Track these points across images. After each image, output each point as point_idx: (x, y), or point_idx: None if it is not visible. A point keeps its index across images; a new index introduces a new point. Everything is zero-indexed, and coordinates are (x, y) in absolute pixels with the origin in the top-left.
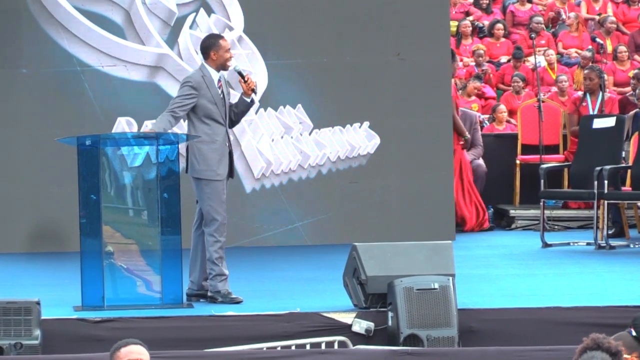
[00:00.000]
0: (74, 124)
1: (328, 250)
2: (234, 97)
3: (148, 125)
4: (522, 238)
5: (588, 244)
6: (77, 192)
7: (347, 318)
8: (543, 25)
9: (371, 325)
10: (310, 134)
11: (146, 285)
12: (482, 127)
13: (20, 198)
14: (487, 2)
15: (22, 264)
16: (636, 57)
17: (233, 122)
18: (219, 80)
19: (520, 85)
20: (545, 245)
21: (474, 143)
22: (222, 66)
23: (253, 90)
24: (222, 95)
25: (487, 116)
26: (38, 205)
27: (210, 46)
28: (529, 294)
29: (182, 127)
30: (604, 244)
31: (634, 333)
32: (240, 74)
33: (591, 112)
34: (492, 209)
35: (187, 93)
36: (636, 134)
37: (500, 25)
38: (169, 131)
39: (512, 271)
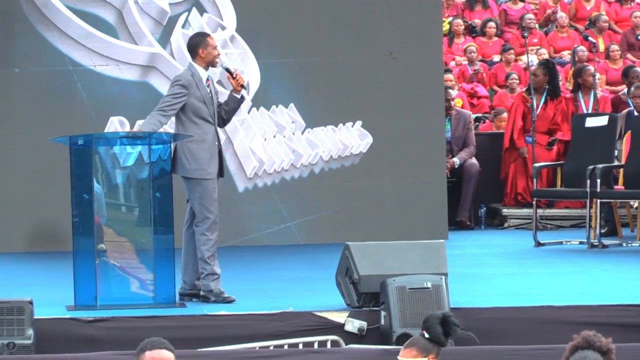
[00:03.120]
0: (66, 124)
1: (321, 249)
2: (225, 95)
3: (140, 125)
4: (515, 237)
5: (581, 242)
6: (70, 191)
7: (339, 317)
8: (535, 22)
9: (364, 324)
10: (302, 133)
11: (139, 285)
12: (477, 127)
13: (14, 198)
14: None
15: (16, 263)
16: (629, 55)
17: (224, 121)
18: (208, 79)
19: (517, 82)
20: (538, 244)
21: (466, 143)
22: (210, 64)
23: (242, 87)
24: (210, 95)
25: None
26: (32, 205)
27: (198, 44)
28: (522, 293)
29: (170, 126)
30: (597, 243)
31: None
32: (228, 70)
33: (585, 111)
34: (484, 208)
35: (177, 92)
36: (629, 132)
37: (492, 24)
38: (159, 131)
39: (504, 270)
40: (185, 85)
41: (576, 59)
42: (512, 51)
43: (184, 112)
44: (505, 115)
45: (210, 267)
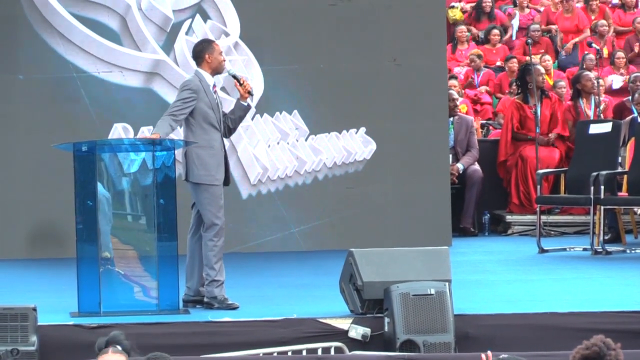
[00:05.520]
0: (70, 130)
1: (324, 256)
2: (231, 103)
3: (144, 132)
4: (519, 244)
5: (584, 249)
6: (74, 198)
7: (343, 324)
8: (540, 33)
9: (367, 331)
10: (306, 139)
11: (142, 291)
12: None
13: (17, 204)
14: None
15: (19, 270)
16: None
17: (230, 130)
18: (214, 86)
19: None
20: (542, 250)
21: (469, 147)
22: (216, 70)
23: (249, 93)
24: (217, 101)
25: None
26: (34, 211)
27: (203, 49)
28: (526, 300)
29: (177, 133)
30: (601, 250)
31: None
32: (235, 77)
33: (586, 117)
34: (488, 215)
35: (187, 97)
36: (632, 139)
37: (496, 31)
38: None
39: (508, 277)
40: (195, 89)
41: (584, 67)
42: (514, 60)
43: (193, 118)
44: None
45: (215, 273)
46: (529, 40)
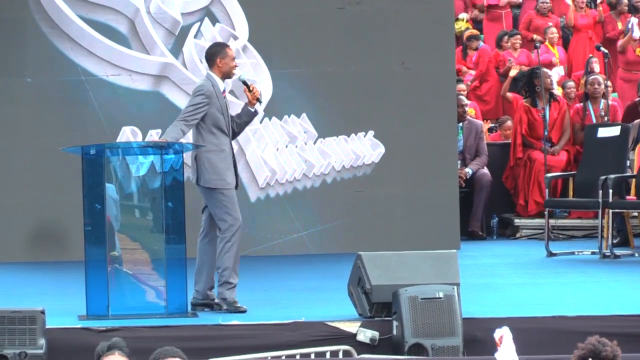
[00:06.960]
0: (78, 133)
1: (333, 259)
2: (239, 106)
3: (153, 135)
4: (527, 247)
5: (593, 253)
6: (81, 201)
7: (351, 327)
8: (549, 4)
9: (376, 334)
10: (315, 143)
11: (151, 294)
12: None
13: (24, 207)
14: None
15: (26, 273)
16: None
17: (234, 134)
18: (224, 90)
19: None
20: (550, 254)
21: (478, 152)
22: (227, 74)
23: (258, 100)
24: (226, 105)
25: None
26: (41, 214)
27: (216, 53)
28: (534, 303)
29: (186, 137)
30: (609, 253)
31: None
32: (245, 83)
33: (594, 120)
34: (496, 218)
35: (199, 102)
36: None
37: (507, 38)
38: (181, 141)
39: (517, 280)
40: (208, 95)
41: (589, 69)
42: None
43: (204, 122)
44: (509, 123)
45: (228, 274)
46: (537, 44)
